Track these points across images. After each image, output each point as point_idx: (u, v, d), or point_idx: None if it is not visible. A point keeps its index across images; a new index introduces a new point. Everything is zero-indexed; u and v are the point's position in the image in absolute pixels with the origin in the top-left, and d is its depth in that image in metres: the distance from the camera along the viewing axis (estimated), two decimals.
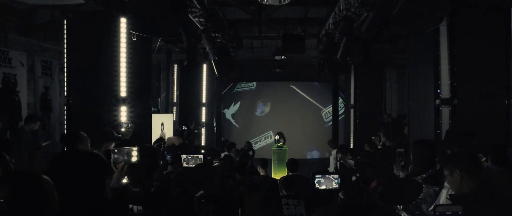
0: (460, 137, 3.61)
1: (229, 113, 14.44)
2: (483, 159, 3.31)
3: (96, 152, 3.21)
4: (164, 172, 2.95)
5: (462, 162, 2.43)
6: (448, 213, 1.88)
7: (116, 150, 2.31)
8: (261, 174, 6.16)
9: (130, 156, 2.28)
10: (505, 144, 3.96)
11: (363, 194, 2.31)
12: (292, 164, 6.00)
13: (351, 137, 10.25)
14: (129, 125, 4.71)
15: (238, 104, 14.47)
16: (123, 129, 4.69)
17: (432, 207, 2.55)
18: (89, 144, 3.64)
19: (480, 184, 2.34)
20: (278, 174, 9.31)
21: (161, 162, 3.06)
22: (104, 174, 2.38)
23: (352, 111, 10.21)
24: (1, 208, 1.55)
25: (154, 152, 2.62)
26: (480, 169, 2.44)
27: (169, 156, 3.70)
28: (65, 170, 2.32)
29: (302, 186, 5.51)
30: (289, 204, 3.76)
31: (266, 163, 6.28)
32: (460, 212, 1.88)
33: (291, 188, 4.54)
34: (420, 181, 3.01)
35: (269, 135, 13.90)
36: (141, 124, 5.24)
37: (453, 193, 2.45)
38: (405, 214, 2.64)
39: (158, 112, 10.01)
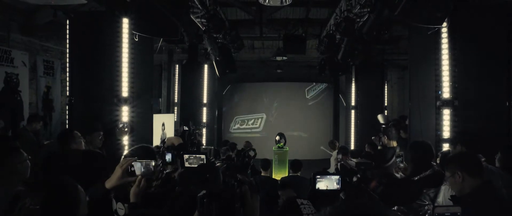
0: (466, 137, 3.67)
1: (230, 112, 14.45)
2: (483, 159, 3.33)
3: (96, 150, 3.23)
4: (164, 172, 2.96)
5: (463, 163, 2.44)
6: (447, 214, 1.88)
7: (133, 163, 2.13)
8: (262, 174, 6.17)
9: (148, 169, 2.11)
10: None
11: (365, 195, 2.32)
12: (294, 165, 6.02)
13: (352, 138, 10.25)
14: (124, 125, 4.71)
15: (239, 104, 14.49)
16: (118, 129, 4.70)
17: (430, 207, 2.55)
18: (83, 143, 3.67)
19: (481, 185, 2.35)
20: (278, 174, 9.33)
21: (161, 162, 3.06)
22: (101, 173, 2.39)
23: (353, 112, 10.21)
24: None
25: (152, 152, 2.63)
26: (482, 170, 2.44)
27: (168, 156, 3.70)
28: (60, 169, 2.34)
29: (302, 187, 5.53)
30: (303, 203, 3.73)
31: (268, 164, 6.29)
32: (458, 213, 1.88)
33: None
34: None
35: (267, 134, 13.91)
36: (143, 124, 5.26)
37: (454, 194, 2.46)
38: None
39: (159, 112, 10.03)
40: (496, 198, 2.34)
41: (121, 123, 4.79)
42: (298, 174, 5.96)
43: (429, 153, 3.37)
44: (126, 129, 4.74)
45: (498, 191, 2.48)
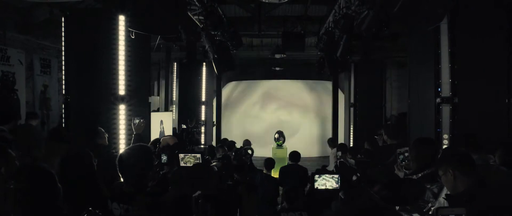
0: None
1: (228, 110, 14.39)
2: (492, 160, 3.30)
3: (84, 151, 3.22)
4: (160, 173, 2.93)
5: (454, 161, 2.41)
6: (452, 215, 1.84)
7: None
8: (264, 172, 6.16)
9: None
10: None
11: (364, 194, 2.28)
12: (293, 155, 6.16)
13: (351, 136, 10.23)
14: (141, 121, 4.63)
15: (238, 102, 14.43)
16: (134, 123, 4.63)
17: (433, 208, 2.52)
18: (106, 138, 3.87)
19: (474, 183, 2.32)
20: (277, 173, 9.29)
21: (156, 162, 3.03)
22: (90, 171, 2.42)
23: (352, 109, 10.17)
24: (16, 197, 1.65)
25: (148, 152, 2.59)
26: (474, 168, 2.41)
27: (164, 157, 3.66)
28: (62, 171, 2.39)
29: (299, 175, 5.75)
30: None
31: (272, 164, 6.30)
32: (463, 215, 1.84)
33: (294, 201, 4.48)
34: (415, 178, 2.99)
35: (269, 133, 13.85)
36: None
37: (448, 193, 2.43)
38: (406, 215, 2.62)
39: (157, 110, 9.99)
40: (491, 197, 2.30)
41: (136, 118, 4.69)
42: (297, 163, 6.11)
43: (433, 150, 3.33)
44: (143, 124, 4.64)
45: (495, 191, 2.44)
